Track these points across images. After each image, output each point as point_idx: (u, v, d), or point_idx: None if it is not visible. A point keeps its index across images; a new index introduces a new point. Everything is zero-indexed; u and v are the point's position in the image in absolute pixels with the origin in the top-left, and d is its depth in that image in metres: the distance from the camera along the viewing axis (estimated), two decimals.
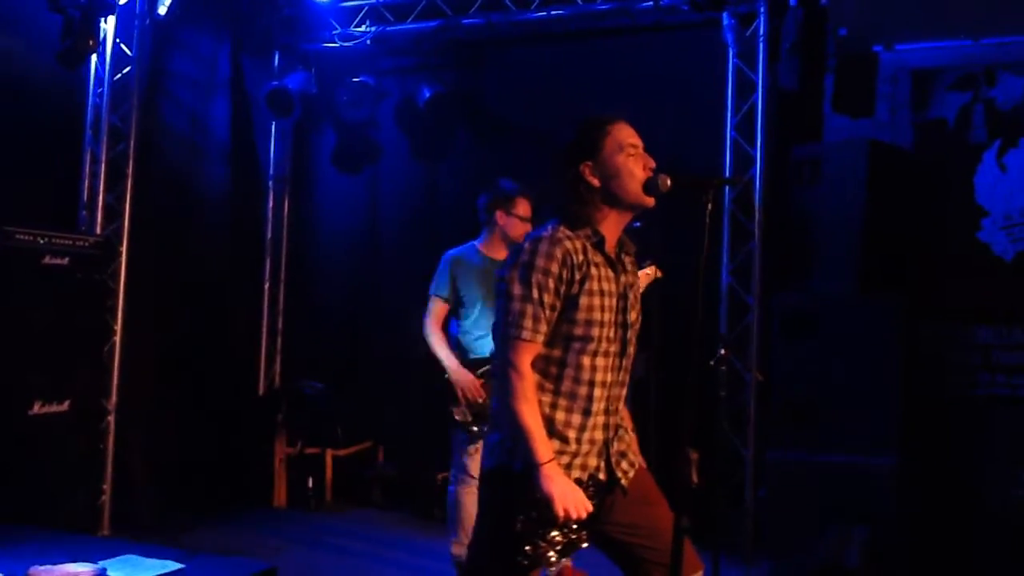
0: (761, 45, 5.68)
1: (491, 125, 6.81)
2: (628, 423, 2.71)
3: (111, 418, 5.65)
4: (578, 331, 2.46)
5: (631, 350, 2.59)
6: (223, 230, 6.92)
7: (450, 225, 6.20)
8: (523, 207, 4.51)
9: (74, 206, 5.74)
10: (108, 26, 5.70)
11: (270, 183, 7.36)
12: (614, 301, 2.53)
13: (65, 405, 4.96)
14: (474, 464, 4.36)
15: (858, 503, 4.69)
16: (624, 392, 2.62)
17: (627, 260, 2.64)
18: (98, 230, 5.69)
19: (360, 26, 6.83)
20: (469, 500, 4.38)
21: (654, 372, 5.75)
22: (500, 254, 4.44)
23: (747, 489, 5.53)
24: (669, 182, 2.53)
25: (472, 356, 4.50)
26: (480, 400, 4.36)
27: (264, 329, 7.28)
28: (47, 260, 4.90)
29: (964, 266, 5.42)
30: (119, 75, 5.84)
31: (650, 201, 2.53)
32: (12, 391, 4.73)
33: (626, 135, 2.54)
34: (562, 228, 2.51)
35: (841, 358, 4.90)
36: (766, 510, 5.06)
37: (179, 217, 6.51)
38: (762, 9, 5.68)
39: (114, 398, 5.68)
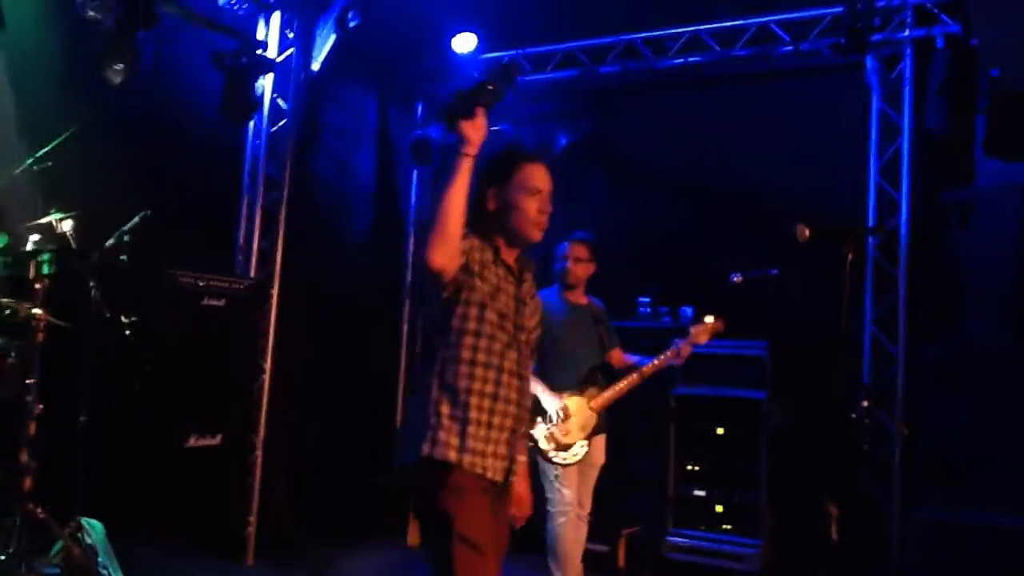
0: (907, 87, 5.53)
1: (627, 171, 6.84)
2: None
3: (259, 452, 5.91)
4: (482, 313, 2.58)
5: (527, 352, 2.72)
6: (365, 272, 7.19)
7: None
8: (578, 250, 4.90)
9: (230, 251, 6.09)
10: (266, 82, 6.08)
11: (410, 228, 7.61)
12: (512, 303, 2.66)
13: (217, 439, 5.24)
14: (570, 493, 4.56)
15: (1020, 570, 4.43)
16: (528, 388, 2.73)
17: (528, 276, 2.77)
18: (252, 273, 6.01)
19: None
20: (568, 531, 4.53)
21: (793, 423, 5.61)
22: (579, 298, 4.89)
23: (891, 549, 5.29)
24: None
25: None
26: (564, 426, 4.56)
27: (402, 368, 7.47)
28: (206, 301, 5.22)
29: None
30: (275, 127, 6.20)
31: (536, 238, 2.67)
32: (171, 424, 5.03)
33: (536, 177, 2.68)
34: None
35: (995, 411, 4.68)
36: (913, 572, 4.82)
37: (325, 260, 6.80)
38: (908, 51, 5.55)
39: (262, 433, 5.93)
